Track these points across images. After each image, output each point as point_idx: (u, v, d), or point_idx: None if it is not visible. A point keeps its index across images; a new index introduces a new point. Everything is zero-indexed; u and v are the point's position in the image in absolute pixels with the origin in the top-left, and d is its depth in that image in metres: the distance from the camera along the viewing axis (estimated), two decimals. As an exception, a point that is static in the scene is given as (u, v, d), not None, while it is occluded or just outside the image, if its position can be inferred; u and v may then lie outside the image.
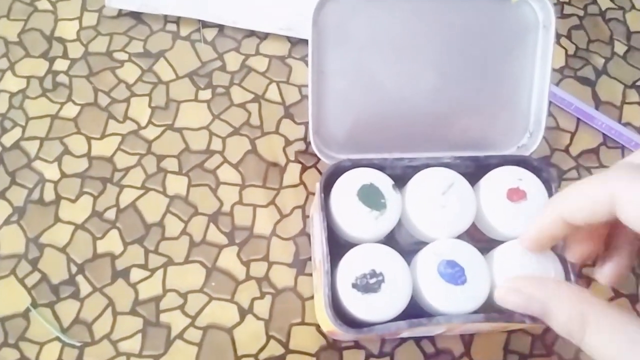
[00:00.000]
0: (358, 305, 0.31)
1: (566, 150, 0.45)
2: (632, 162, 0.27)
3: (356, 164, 0.34)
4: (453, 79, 0.36)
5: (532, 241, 0.31)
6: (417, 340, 0.38)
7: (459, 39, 0.36)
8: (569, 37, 0.49)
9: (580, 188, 0.27)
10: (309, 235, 0.41)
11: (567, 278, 0.32)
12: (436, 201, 0.33)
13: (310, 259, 0.40)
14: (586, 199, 0.26)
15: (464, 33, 0.36)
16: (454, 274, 0.31)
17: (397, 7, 0.35)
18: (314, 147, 0.36)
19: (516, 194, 0.33)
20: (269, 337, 0.38)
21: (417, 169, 0.34)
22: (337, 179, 0.34)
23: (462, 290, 0.31)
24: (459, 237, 0.33)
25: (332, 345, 0.38)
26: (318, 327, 0.38)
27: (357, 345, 0.38)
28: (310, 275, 0.40)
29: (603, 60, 0.49)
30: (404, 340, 0.38)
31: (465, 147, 0.37)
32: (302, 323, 0.38)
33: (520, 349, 0.39)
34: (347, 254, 0.32)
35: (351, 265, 0.31)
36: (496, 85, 0.37)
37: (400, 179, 0.34)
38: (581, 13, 0.50)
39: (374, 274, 0.31)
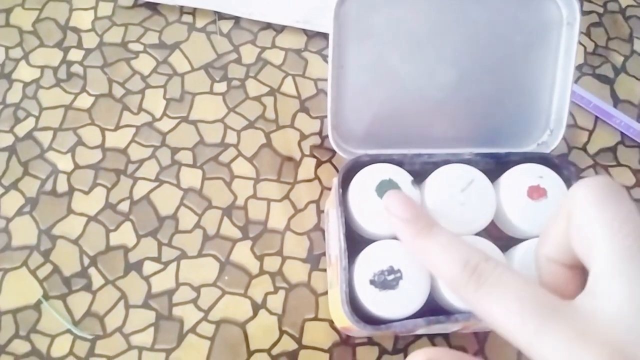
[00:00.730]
0: (375, 302, 0.30)
1: (584, 149, 0.45)
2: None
3: (375, 159, 0.34)
4: (474, 75, 0.36)
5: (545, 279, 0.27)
6: (432, 337, 0.38)
7: (480, 34, 0.35)
8: (588, 34, 0.49)
9: (547, 227, 0.25)
10: (323, 231, 0.40)
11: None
12: (456, 198, 0.32)
13: (324, 254, 0.40)
14: (553, 238, 0.24)
15: (486, 29, 0.35)
16: (474, 272, 0.31)
17: (419, 2, 0.34)
18: (332, 142, 0.35)
19: (537, 192, 0.33)
20: (282, 332, 0.38)
21: (436, 165, 0.34)
22: (355, 174, 0.33)
23: (482, 288, 0.30)
24: (478, 234, 0.32)
25: (346, 341, 0.38)
26: (331, 322, 0.38)
27: (370, 341, 0.38)
28: (324, 270, 0.39)
29: (622, 58, 0.48)
30: (417, 337, 0.38)
31: (485, 143, 0.36)
32: (316, 318, 0.38)
33: (536, 349, 0.38)
34: (365, 250, 0.31)
35: (369, 262, 0.31)
36: (517, 81, 0.36)
37: (419, 175, 0.34)
38: (601, 10, 0.50)
39: (392, 270, 0.31)
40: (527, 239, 0.33)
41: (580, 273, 0.24)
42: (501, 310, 0.22)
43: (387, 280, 0.30)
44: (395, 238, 0.32)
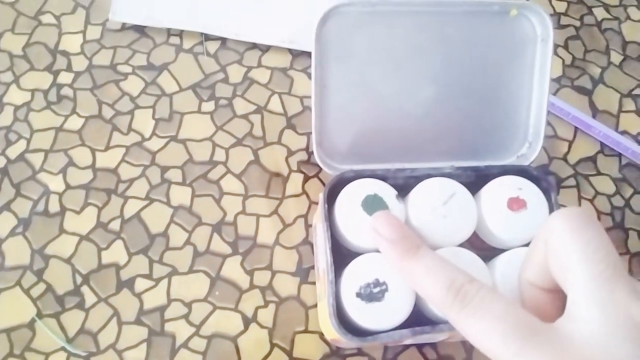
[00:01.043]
0: (362, 314, 0.31)
1: (564, 159, 0.46)
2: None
3: (359, 175, 0.35)
4: (453, 91, 0.37)
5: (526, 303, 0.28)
6: (420, 347, 0.39)
7: (458, 52, 0.37)
8: (566, 47, 0.50)
9: (528, 253, 0.26)
10: (311, 244, 0.41)
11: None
12: (438, 211, 0.33)
13: (313, 267, 0.40)
14: (534, 264, 0.26)
15: (464, 46, 0.37)
16: (456, 282, 0.31)
17: (398, 22, 0.35)
18: (317, 159, 0.36)
19: (516, 203, 0.34)
20: (272, 345, 0.38)
21: (418, 179, 0.35)
22: (340, 189, 0.34)
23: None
24: (461, 245, 0.33)
25: (336, 353, 0.38)
26: (321, 335, 0.39)
27: (360, 352, 0.39)
28: (314, 283, 0.40)
29: (600, 70, 0.49)
30: (406, 347, 0.39)
31: (466, 157, 0.37)
32: (306, 331, 0.39)
33: (522, 356, 0.39)
34: (351, 263, 0.32)
35: (355, 275, 0.32)
36: (495, 96, 0.37)
37: (403, 189, 0.35)
38: (577, 24, 0.51)
39: (377, 283, 0.32)
40: (508, 249, 0.34)
41: (560, 297, 0.25)
42: (484, 330, 0.23)
43: (373, 293, 0.31)
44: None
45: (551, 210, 0.34)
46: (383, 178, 0.35)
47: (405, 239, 0.29)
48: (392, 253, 0.29)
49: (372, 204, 0.34)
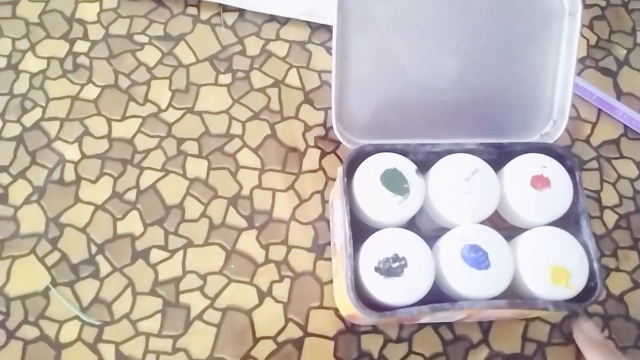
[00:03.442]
0: (380, 289, 0.31)
1: (587, 141, 0.45)
2: None
3: (379, 149, 0.34)
4: (477, 65, 0.36)
5: None
6: (436, 326, 0.38)
7: (483, 25, 0.36)
8: (590, 27, 0.49)
9: None
10: (328, 221, 0.41)
11: (591, 266, 0.32)
12: (460, 187, 0.33)
13: (329, 243, 0.40)
14: None
15: (489, 19, 0.36)
16: (477, 258, 0.31)
17: (422, -8, 0.35)
18: (336, 132, 0.36)
19: (540, 182, 0.33)
20: (287, 320, 0.38)
21: (440, 154, 0.34)
22: (359, 163, 0.34)
23: (486, 275, 0.31)
24: (482, 224, 0.33)
25: (350, 329, 0.38)
26: (336, 311, 0.38)
27: (375, 330, 0.38)
28: (329, 259, 0.40)
29: (625, 51, 0.48)
30: (422, 325, 0.38)
31: (488, 133, 0.37)
32: (321, 307, 0.39)
33: (539, 337, 0.39)
34: (370, 238, 0.32)
35: (374, 249, 0.31)
36: (520, 72, 0.37)
37: (423, 165, 0.34)
38: (603, 3, 0.50)
39: (397, 258, 0.31)
40: (530, 228, 0.33)
41: None
42: None
43: (392, 268, 0.31)
44: (402, 227, 0.32)
45: (575, 189, 0.33)
46: (403, 153, 0.34)
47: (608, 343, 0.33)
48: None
49: (392, 179, 0.33)
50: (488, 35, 0.36)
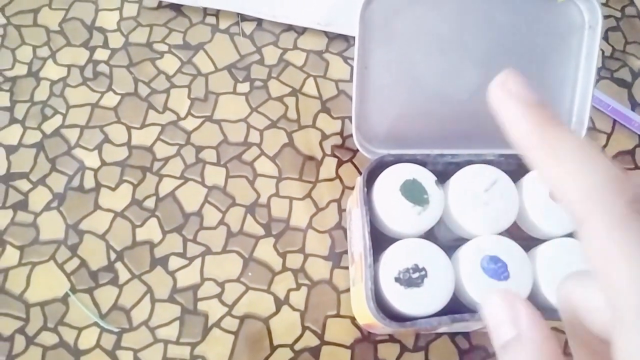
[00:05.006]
0: (401, 300, 0.31)
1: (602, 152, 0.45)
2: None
3: (398, 159, 0.34)
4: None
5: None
6: (452, 335, 0.39)
7: (503, 37, 0.36)
8: (605, 38, 0.49)
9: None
10: (344, 229, 0.41)
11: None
12: (479, 198, 0.33)
13: (346, 252, 0.40)
14: None
15: (509, 31, 0.36)
16: (497, 269, 0.31)
17: (443, 4, 0.35)
18: (355, 142, 0.36)
19: (559, 193, 0.33)
20: (304, 328, 0.38)
21: (459, 165, 0.34)
22: (379, 174, 0.34)
23: (505, 286, 0.31)
24: (500, 235, 0.33)
25: (367, 338, 0.38)
26: (353, 319, 0.38)
27: (391, 339, 0.38)
28: (346, 268, 0.40)
29: (640, 62, 0.48)
30: (439, 335, 0.39)
31: (508, 144, 0.37)
32: (338, 315, 0.39)
33: (555, 348, 0.39)
34: (390, 248, 0.32)
35: (394, 259, 0.32)
36: (540, 84, 0.37)
37: (442, 175, 0.34)
38: (618, 15, 0.50)
39: (417, 268, 0.31)
40: (548, 240, 0.33)
41: None
42: None
43: (412, 278, 0.31)
44: (420, 237, 0.32)
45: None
46: (422, 163, 0.34)
47: (546, 107, 0.18)
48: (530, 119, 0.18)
49: (411, 189, 0.33)
50: (508, 47, 0.36)
